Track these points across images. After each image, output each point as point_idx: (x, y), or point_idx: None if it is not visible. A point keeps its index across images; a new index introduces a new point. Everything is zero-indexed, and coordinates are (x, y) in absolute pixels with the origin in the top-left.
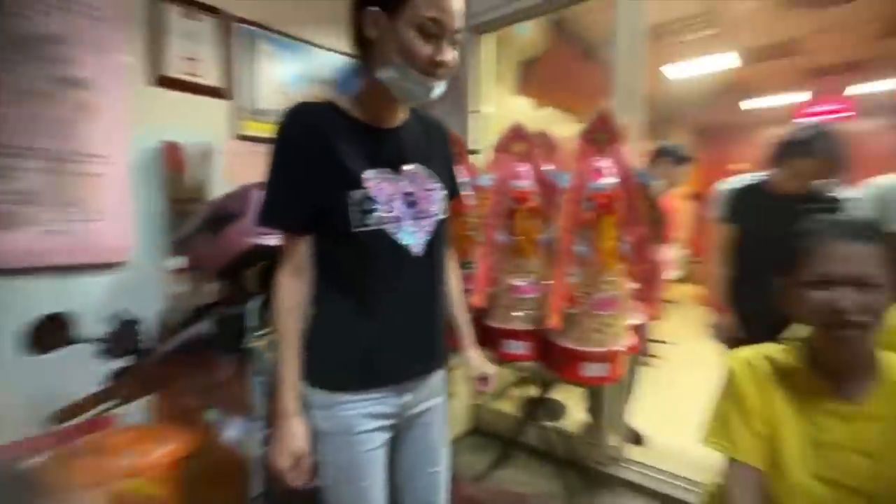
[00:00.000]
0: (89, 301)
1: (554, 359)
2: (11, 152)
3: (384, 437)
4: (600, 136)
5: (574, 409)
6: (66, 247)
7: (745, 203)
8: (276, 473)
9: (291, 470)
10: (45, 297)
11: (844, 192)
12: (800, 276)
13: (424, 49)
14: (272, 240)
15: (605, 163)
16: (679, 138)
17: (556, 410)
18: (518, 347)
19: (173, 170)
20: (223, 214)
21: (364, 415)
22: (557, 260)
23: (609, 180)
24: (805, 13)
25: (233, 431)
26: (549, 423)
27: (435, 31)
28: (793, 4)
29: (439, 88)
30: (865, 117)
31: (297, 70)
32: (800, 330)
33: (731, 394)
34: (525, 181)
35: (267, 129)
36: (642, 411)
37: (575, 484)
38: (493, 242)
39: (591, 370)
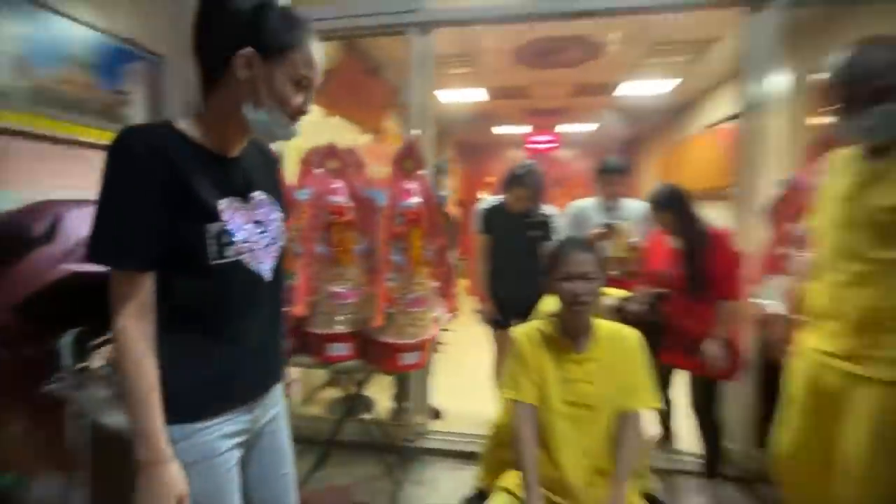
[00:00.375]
0: None
1: (375, 354)
2: None
3: (238, 455)
4: (408, 162)
5: (381, 400)
6: None
7: (493, 219)
8: None
9: None
10: None
11: (550, 211)
12: (554, 274)
13: (296, 99)
14: (95, 266)
15: (412, 185)
16: (446, 153)
17: (367, 404)
18: (341, 349)
19: None
20: (21, 238)
21: (221, 436)
22: (378, 268)
23: (415, 199)
24: (528, 69)
25: (44, 493)
26: (363, 417)
27: (305, 85)
28: (520, 62)
29: (297, 131)
30: (567, 148)
31: (35, 41)
32: (542, 310)
33: (516, 356)
34: (340, 196)
35: None
36: (437, 390)
37: (392, 463)
38: (313, 254)
39: (408, 359)
